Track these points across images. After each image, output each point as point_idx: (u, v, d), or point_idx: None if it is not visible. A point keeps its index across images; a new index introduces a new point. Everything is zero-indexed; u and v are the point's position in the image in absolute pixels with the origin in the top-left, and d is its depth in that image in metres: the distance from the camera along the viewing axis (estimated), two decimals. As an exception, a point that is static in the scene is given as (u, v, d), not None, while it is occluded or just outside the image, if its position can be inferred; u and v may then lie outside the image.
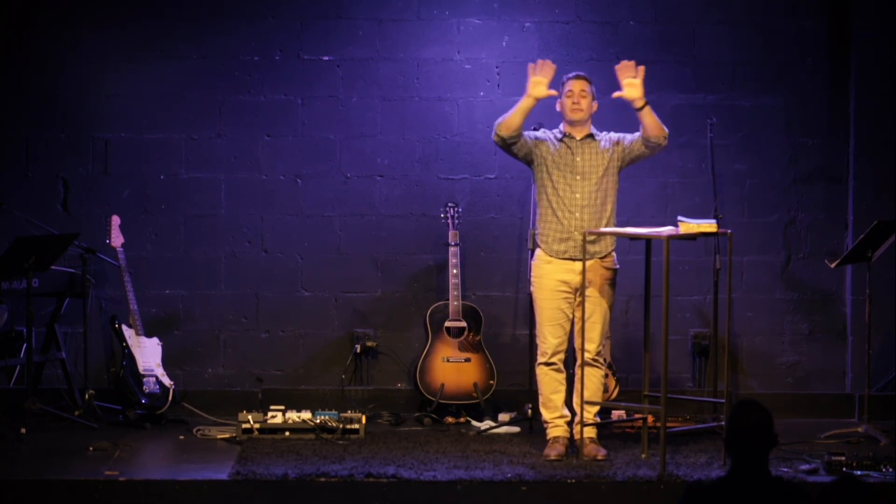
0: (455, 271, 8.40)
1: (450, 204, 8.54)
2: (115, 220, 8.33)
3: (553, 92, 7.32)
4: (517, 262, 8.71)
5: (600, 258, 7.32)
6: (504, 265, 8.79)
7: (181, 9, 8.69)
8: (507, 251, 8.77)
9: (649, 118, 7.28)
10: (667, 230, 7.14)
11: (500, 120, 7.34)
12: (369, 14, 8.73)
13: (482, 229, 8.76)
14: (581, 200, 7.28)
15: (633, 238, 7.42)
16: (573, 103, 7.33)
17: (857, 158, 8.78)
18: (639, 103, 7.27)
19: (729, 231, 7.31)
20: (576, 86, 7.37)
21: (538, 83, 7.29)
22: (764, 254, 8.83)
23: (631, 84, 7.28)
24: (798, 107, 8.81)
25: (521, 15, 8.76)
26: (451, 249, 8.44)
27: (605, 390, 7.68)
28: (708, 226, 7.12)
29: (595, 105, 7.40)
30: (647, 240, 7.31)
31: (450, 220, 8.49)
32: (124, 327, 8.21)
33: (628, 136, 7.40)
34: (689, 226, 7.10)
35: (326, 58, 8.75)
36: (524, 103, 7.28)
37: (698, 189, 8.65)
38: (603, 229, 7.22)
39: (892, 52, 8.70)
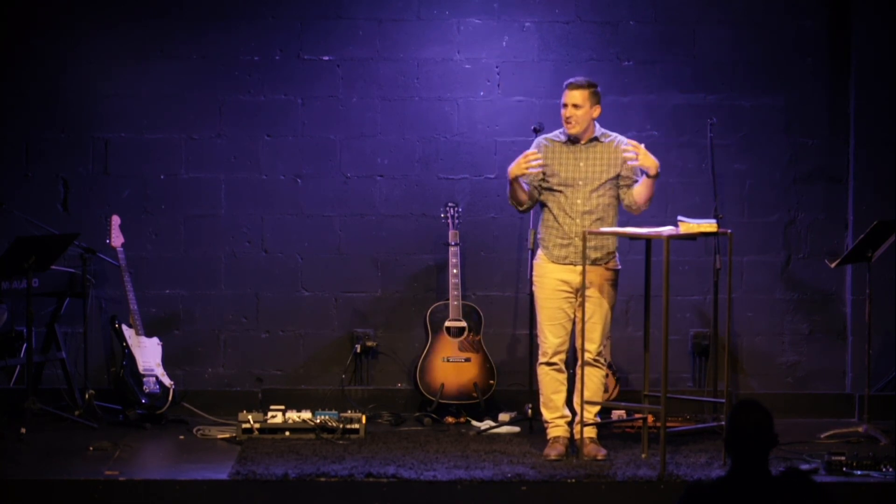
0: (455, 271, 8.40)
1: (450, 204, 8.54)
2: (115, 220, 8.33)
3: (536, 170, 7.27)
4: (517, 262, 8.71)
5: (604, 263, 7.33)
6: (504, 265, 8.79)
7: (181, 9, 8.69)
8: (507, 251, 8.77)
9: (649, 190, 7.24)
10: (667, 230, 7.14)
11: (508, 194, 7.37)
12: (369, 14, 8.73)
13: (482, 229, 8.76)
14: (582, 206, 7.26)
15: (633, 238, 7.42)
16: (566, 119, 7.28)
17: (857, 158, 8.78)
18: (652, 171, 7.16)
19: (729, 231, 7.31)
20: (568, 98, 7.28)
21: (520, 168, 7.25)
22: (764, 254, 8.83)
23: (644, 156, 7.15)
24: (798, 107, 8.81)
25: (521, 15, 8.76)
26: (451, 249, 8.44)
27: (605, 390, 7.68)
28: (708, 226, 7.12)
29: (596, 111, 7.31)
30: (647, 240, 7.31)
31: (450, 220, 8.49)
32: (124, 327, 8.21)
33: (631, 169, 7.30)
34: (689, 226, 7.10)
35: (326, 58, 8.75)
36: (512, 187, 7.30)
37: (698, 189, 8.65)
38: (603, 229, 7.21)
39: (892, 52, 8.70)
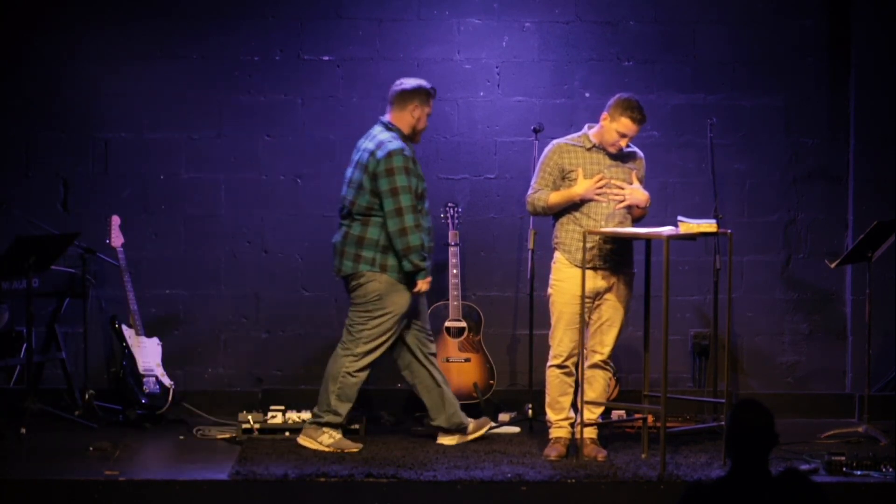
0: (455, 271, 8.40)
1: (450, 204, 8.54)
2: (115, 220, 8.33)
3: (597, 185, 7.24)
4: (517, 262, 8.71)
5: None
6: (504, 265, 8.79)
7: (181, 8, 8.69)
8: (507, 251, 8.77)
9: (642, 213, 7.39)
10: (667, 230, 7.14)
11: (542, 203, 7.25)
12: (369, 14, 8.73)
13: (482, 229, 8.76)
14: (606, 209, 7.24)
15: (634, 238, 7.42)
16: (615, 144, 7.22)
17: (857, 158, 8.78)
18: (643, 204, 7.30)
19: (729, 231, 7.31)
20: (630, 129, 7.19)
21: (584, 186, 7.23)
22: (764, 254, 8.84)
23: (630, 193, 7.25)
24: (798, 107, 8.81)
25: (521, 15, 8.76)
26: (451, 249, 8.43)
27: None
28: (708, 226, 7.13)
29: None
30: (647, 240, 7.31)
31: (450, 220, 8.48)
32: (124, 327, 8.22)
33: (642, 179, 7.36)
34: (689, 226, 7.10)
35: (326, 58, 8.75)
36: (569, 202, 7.25)
37: (698, 189, 8.66)
38: (603, 229, 7.20)
39: (892, 52, 8.70)
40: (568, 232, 7.29)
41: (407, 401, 8.62)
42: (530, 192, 7.35)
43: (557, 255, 7.35)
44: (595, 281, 7.22)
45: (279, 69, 8.72)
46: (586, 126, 7.38)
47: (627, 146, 7.29)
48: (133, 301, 8.24)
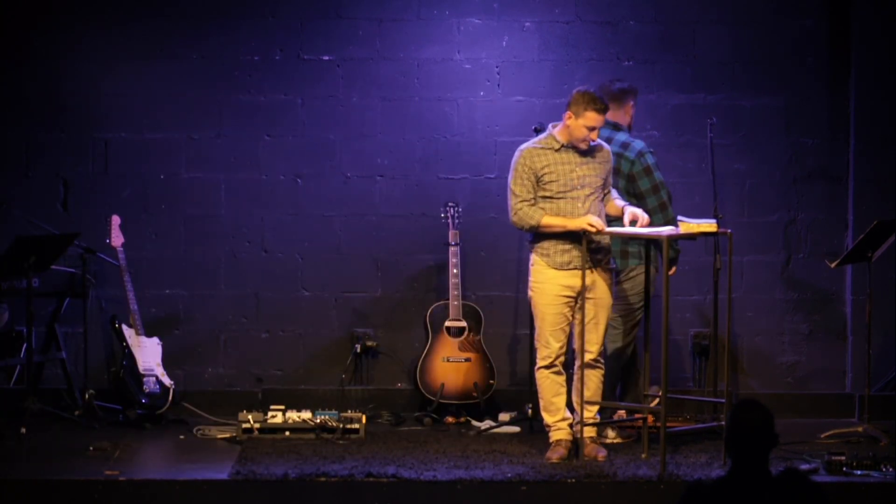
0: (455, 271, 8.40)
1: (450, 204, 8.54)
2: (115, 220, 8.33)
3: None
4: (517, 262, 8.70)
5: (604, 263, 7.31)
6: (504, 265, 8.79)
7: (181, 8, 8.69)
8: (507, 251, 8.77)
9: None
10: (667, 230, 7.14)
11: (534, 221, 7.15)
12: (369, 14, 8.73)
13: (482, 229, 8.76)
14: (581, 209, 7.21)
15: (633, 238, 7.41)
16: (585, 140, 7.15)
17: (857, 158, 8.78)
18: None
19: (729, 231, 7.31)
20: (598, 121, 7.12)
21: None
22: (764, 254, 8.84)
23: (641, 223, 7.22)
24: (798, 107, 8.81)
25: (521, 15, 8.76)
26: (452, 249, 8.44)
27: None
28: (708, 226, 7.13)
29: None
30: (647, 240, 7.31)
31: (450, 220, 8.49)
32: (124, 327, 8.21)
33: (611, 186, 7.34)
34: (689, 226, 7.10)
35: (326, 58, 8.75)
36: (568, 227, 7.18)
37: (698, 189, 8.65)
38: (604, 230, 7.19)
39: (892, 52, 8.70)
40: (546, 237, 7.24)
41: (407, 401, 8.63)
42: (515, 202, 7.22)
43: (534, 257, 7.30)
44: (575, 280, 7.20)
45: (279, 69, 8.72)
46: (550, 126, 7.35)
47: (594, 145, 7.24)
48: (133, 301, 8.24)
